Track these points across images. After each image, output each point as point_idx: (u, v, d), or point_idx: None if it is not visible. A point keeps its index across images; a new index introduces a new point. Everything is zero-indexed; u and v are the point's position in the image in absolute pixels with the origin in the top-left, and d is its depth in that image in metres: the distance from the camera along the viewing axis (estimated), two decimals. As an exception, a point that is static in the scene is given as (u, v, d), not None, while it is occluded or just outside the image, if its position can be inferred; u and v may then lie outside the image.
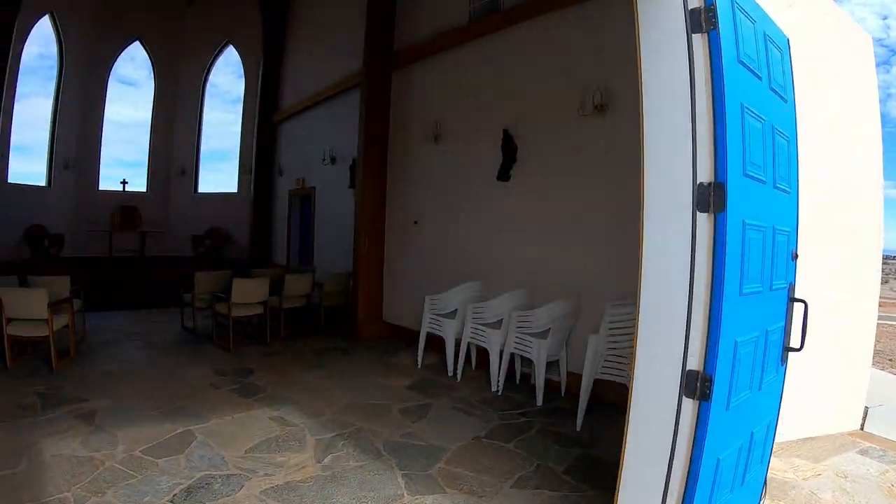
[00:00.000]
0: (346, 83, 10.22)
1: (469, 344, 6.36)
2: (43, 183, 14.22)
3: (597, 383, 4.91)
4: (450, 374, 6.47)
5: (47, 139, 14.20)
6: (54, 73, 14.19)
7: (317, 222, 11.79)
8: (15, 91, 12.82)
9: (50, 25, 13.94)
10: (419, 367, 6.86)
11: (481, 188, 7.20)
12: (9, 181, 13.12)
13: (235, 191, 15.58)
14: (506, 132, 6.81)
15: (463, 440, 4.55)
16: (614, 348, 4.73)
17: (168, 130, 16.15)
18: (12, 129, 12.96)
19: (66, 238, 14.08)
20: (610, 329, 4.73)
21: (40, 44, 13.87)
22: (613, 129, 5.61)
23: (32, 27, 13.28)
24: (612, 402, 5.10)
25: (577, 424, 4.84)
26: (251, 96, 15.27)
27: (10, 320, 6.42)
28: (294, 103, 13.02)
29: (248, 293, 7.81)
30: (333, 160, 10.90)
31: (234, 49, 15.99)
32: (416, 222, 8.45)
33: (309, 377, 6.39)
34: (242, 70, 15.77)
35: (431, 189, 8.16)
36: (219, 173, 16.45)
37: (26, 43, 13.10)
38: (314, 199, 11.89)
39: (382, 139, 8.98)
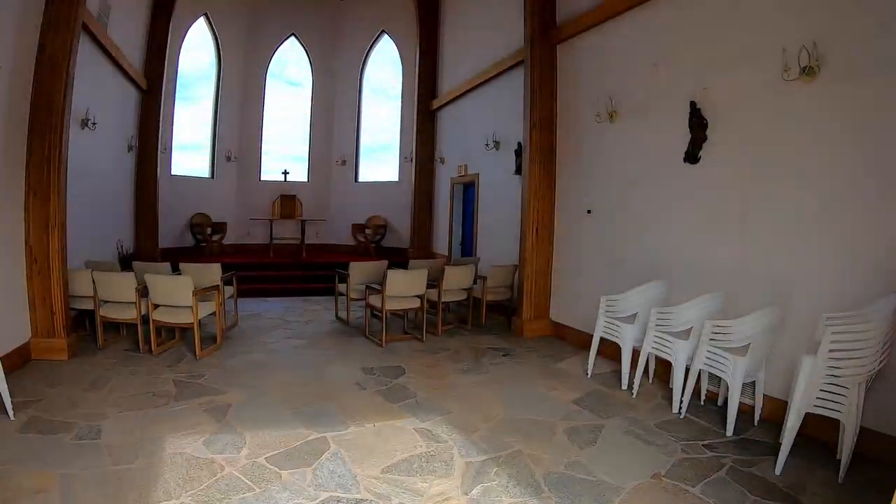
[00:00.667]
0: (508, 62, 9.89)
1: (649, 354, 5.67)
2: (207, 175, 15.47)
3: (807, 418, 4.03)
4: (624, 387, 5.88)
5: (210, 133, 15.39)
6: (213, 69, 15.30)
7: (480, 211, 11.50)
8: (175, 88, 14.03)
9: (205, 26, 15.04)
10: (588, 376, 6.34)
11: (665, 172, 6.45)
12: (172, 173, 14.34)
13: (397, 180, 15.73)
14: (693, 105, 5.97)
15: (640, 477, 3.92)
16: (836, 376, 3.82)
17: (327, 121, 16.73)
18: (174, 126, 14.21)
19: (227, 226, 15.18)
20: (832, 351, 3.80)
21: (198, 43, 15.01)
22: (826, 95, 4.66)
23: (188, 29, 14.40)
24: (823, 442, 4.35)
25: (778, 467, 4.01)
26: (409, 84, 15.36)
27: (156, 306, 6.81)
28: (452, 88, 12.86)
29: (404, 285, 7.70)
30: (497, 145, 10.56)
31: (388, 38, 16.11)
32: (588, 212, 7.83)
33: (465, 382, 6.12)
34: (399, 59, 15.86)
35: (606, 174, 7.51)
36: (379, 163, 16.52)
37: (183, 43, 14.26)
38: (477, 187, 11.62)
39: (549, 120, 8.48)
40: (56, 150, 6.43)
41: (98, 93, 9.49)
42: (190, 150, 15.08)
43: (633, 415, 5.13)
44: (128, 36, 11.06)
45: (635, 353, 5.83)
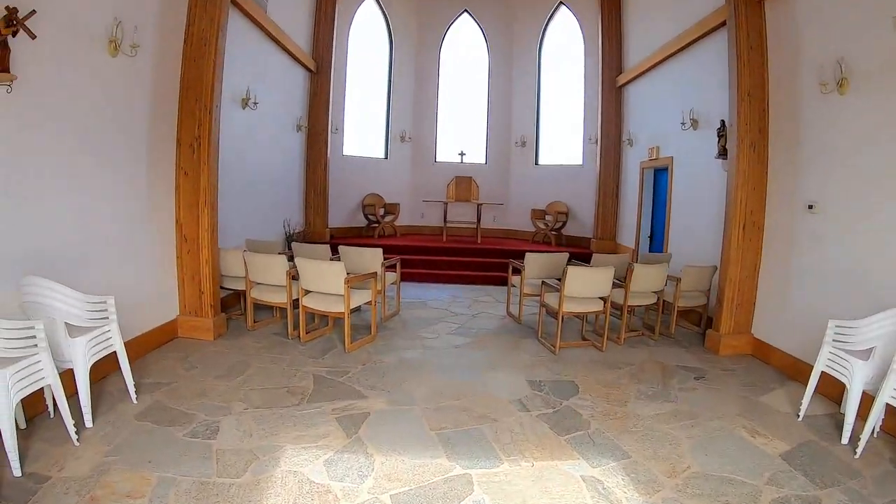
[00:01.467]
0: (706, 27, 8.78)
1: (887, 405, 4.37)
2: (380, 155, 15.66)
3: None
4: (844, 440, 4.61)
5: (383, 114, 15.59)
6: (385, 48, 15.46)
7: (673, 200, 10.38)
8: (345, 68, 14.30)
9: (374, 5, 15.20)
10: (800, 418, 5.12)
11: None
12: (344, 153, 14.63)
13: (580, 163, 14.89)
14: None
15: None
16: None
17: (505, 100, 16.28)
18: (345, 106, 14.55)
19: (400, 207, 15.32)
20: None
21: (368, 23, 15.19)
22: None
23: (357, 9, 14.62)
24: None
25: None
26: (591, 59, 14.53)
27: (307, 292, 6.74)
28: (641, 61, 11.88)
29: (587, 285, 6.96)
30: (694, 124, 9.45)
31: (567, 10, 15.29)
32: (810, 207, 6.39)
33: (648, 412, 5.23)
34: (579, 32, 14.98)
35: (834, 160, 6.06)
36: (561, 144, 15.68)
37: (352, 24, 14.48)
38: (670, 172, 10.52)
39: (760, 93, 7.14)
40: (205, 129, 6.51)
41: (261, 74, 9.83)
42: (363, 130, 15.34)
43: (857, 486, 3.94)
44: (292, 18, 11.45)
45: (865, 399, 4.60)
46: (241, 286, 7.51)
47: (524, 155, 16.03)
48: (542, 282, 7.50)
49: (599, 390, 5.72)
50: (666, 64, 10.74)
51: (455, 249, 13.22)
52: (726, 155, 7.75)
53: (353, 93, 14.84)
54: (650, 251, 11.65)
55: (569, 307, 6.92)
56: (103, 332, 4.57)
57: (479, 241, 14.11)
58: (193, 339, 6.88)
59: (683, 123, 9.67)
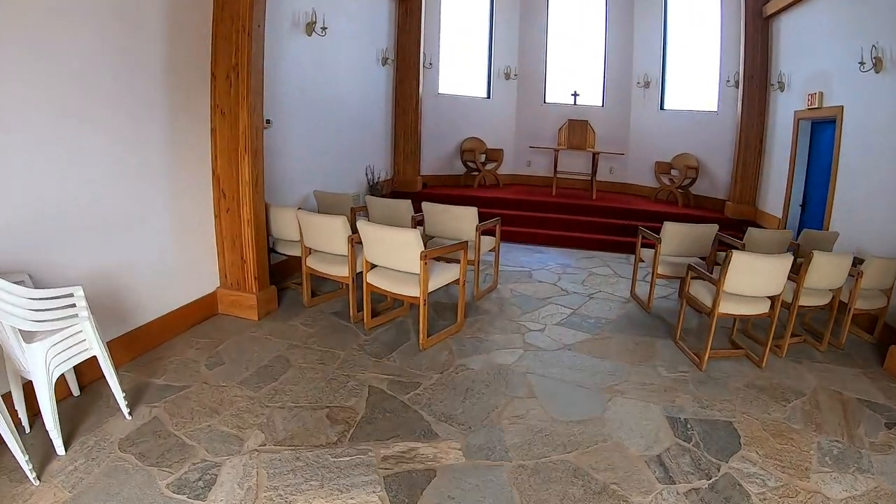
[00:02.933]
0: None
1: None
2: (482, 94, 14.05)
3: None
4: None
5: (485, 47, 13.94)
6: None
7: (841, 163, 8.34)
8: (440, 8, 12.88)
9: None
10: None
11: None
12: (439, 92, 13.13)
13: (715, 109, 12.73)
14: None
15: None
16: None
17: (625, 33, 14.22)
18: (440, 38, 12.96)
19: (504, 154, 13.86)
20: None
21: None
22: None
23: None
24: None
25: None
26: None
27: (372, 266, 5.62)
28: None
29: (756, 279, 5.21)
30: (879, 64, 7.33)
31: None
32: None
33: (838, 493, 3.55)
34: None
35: None
36: (693, 87, 13.48)
37: None
38: (839, 127, 8.42)
39: None
40: (244, 57, 5.17)
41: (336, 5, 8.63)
42: (461, 66, 13.73)
43: None
44: None
45: None
46: (297, 252, 6.24)
47: (648, 98, 13.98)
48: (689, 266, 5.84)
49: (768, 443, 4.09)
50: None
51: (566, 206, 11.63)
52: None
53: (450, 21, 13.19)
54: (801, 224, 9.81)
55: (727, 308, 5.29)
56: (73, 334, 3.46)
57: (594, 197, 12.42)
58: (235, 317, 5.77)
59: (863, 63, 7.58)
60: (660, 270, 6.86)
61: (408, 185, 11.75)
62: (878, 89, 7.46)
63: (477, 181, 13.08)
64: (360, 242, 5.53)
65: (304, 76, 7.82)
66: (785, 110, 10.46)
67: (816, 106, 9.15)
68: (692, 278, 5.78)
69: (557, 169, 12.96)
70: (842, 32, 8.48)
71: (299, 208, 6.15)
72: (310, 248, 6.10)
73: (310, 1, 7.74)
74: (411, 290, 5.18)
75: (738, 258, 5.08)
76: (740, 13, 11.46)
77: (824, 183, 8.97)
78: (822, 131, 9.49)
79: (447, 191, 11.99)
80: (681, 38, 13.65)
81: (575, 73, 14.44)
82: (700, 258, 7.06)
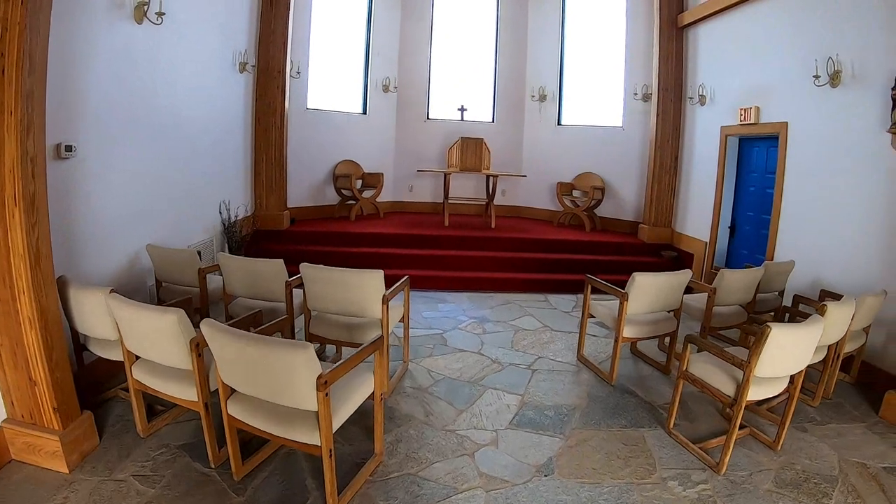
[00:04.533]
0: None
1: None
2: (357, 110, 12.24)
3: None
4: None
5: (361, 55, 12.23)
6: None
7: (789, 182, 7.60)
8: (311, 9, 11.02)
9: None
10: None
11: None
12: (309, 107, 11.19)
13: (620, 125, 11.77)
14: None
15: None
16: None
17: (519, 40, 13.05)
18: (310, 42, 11.07)
19: (384, 178, 12.15)
20: None
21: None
22: None
23: None
24: None
25: None
26: None
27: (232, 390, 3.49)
28: None
29: (790, 355, 4.00)
30: (835, 78, 6.72)
31: None
32: None
33: None
34: None
35: None
36: (594, 100, 12.44)
37: None
38: (783, 144, 7.68)
39: None
40: (13, 41, 3.03)
41: None
42: (334, 76, 11.83)
43: None
44: None
45: None
46: (118, 355, 4.05)
47: (544, 113, 12.83)
48: (688, 339, 4.46)
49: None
50: None
51: (465, 240, 10.04)
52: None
53: (322, 23, 11.27)
54: (731, 249, 9.17)
55: (754, 393, 4.02)
56: None
57: (493, 226, 10.94)
58: (37, 467, 3.58)
59: (817, 76, 6.90)
60: (627, 333, 5.45)
61: (273, 222, 9.80)
62: (835, 105, 6.83)
63: (354, 212, 11.28)
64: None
65: (130, 81, 5.64)
66: (708, 125, 9.63)
67: (752, 121, 8.38)
68: (696, 357, 4.49)
69: (449, 194, 11.36)
70: (784, 44, 7.84)
71: (112, 290, 3.88)
72: (133, 355, 3.95)
73: None
74: (304, 434, 3.24)
75: (778, 335, 3.76)
76: (652, 22, 10.65)
77: (757, 204, 8.51)
78: (750, 148, 8.84)
79: (321, 226, 10.20)
80: (580, 48, 12.64)
81: (462, 86, 13.09)
82: (668, 311, 5.81)
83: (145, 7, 5.60)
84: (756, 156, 8.61)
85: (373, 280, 4.70)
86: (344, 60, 11.89)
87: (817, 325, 3.95)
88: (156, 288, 5.91)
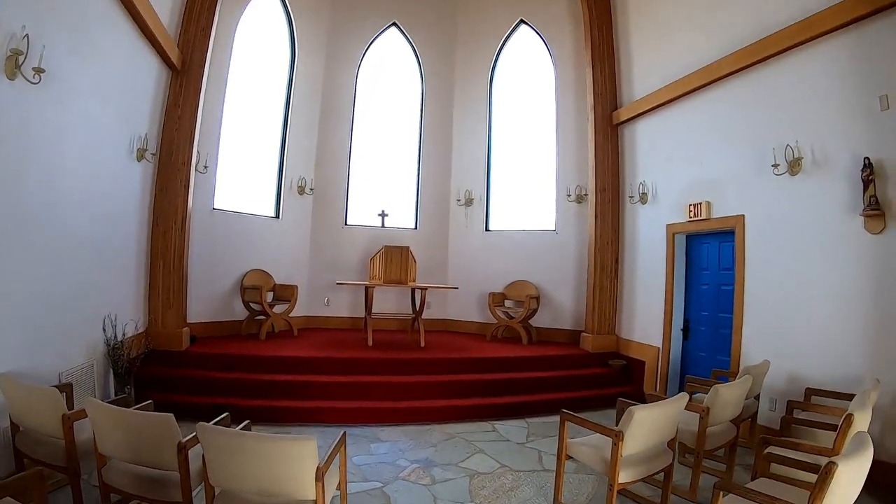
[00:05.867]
0: (818, 27, 6.27)
1: None
2: (268, 213, 11.27)
3: None
4: None
5: (277, 153, 11.45)
6: (285, 62, 11.67)
7: (750, 278, 7.29)
8: (226, 78, 10.23)
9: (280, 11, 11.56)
10: None
11: None
12: (215, 207, 10.12)
13: (553, 228, 11.37)
14: None
15: None
16: None
17: (443, 143, 12.74)
18: (221, 133, 10.17)
19: (300, 291, 10.96)
20: None
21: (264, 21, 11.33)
22: None
23: (246, 5, 10.66)
24: None
25: None
26: (566, 92, 11.54)
27: None
28: (662, 88, 9.07)
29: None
30: (794, 165, 6.64)
31: (530, 29, 12.29)
32: None
33: None
34: (549, 57, 11.94)
35: None
36: (524, 203, 12.08)
37: (241, 19, 10.55)
38: (740, 239, 7.46)
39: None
40: None
41: (68, 24, 5.61)
42: (244, 173, 10.86)
43: None
44: None
45: None
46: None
47: (470, 218, 12.30)
48: (726, 485, 3.47)
49: None
50: (723, 84, 7.95)
51: (393, 363, 8.78)
52: (879, 208, 5.67)
53: (236, 115, 10.47)
54: (685, 353, 8.67)
55: None
56: None
57: (422, 345, 9.82)
58: None
59: (776, 165, 6.79)
60: (623, 478, 4.34)
61: (170, 342, 8.37)
62: (797, 193, 6.67)
63: (264, 329, 9.93)
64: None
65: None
66: (652, 224, 9.35)
67: (703, 217, 8.14)
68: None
69: (372, 308, 10.25)
70: (733, 136, 7.80)
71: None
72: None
73: (20, 14, 4.64)
74: None
75: (844, 471, 2.86)
76: (585, 120, 10.63)
77: (712, 302, 8.17)
78: (699, 245, 8.56)
79: (227, 346, 8.85)
80: (508, 149, 12.43)
81: (383, 189, 12.46)
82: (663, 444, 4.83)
83: (20, 59, 4.55)
84: (707, 252, 8.29)
85: (303, 450, 3.33)
86: (256, 157, 11.04)
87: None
88: (11, 433, 4.42)
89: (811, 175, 6.41)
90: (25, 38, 4.57)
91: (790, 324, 6.58)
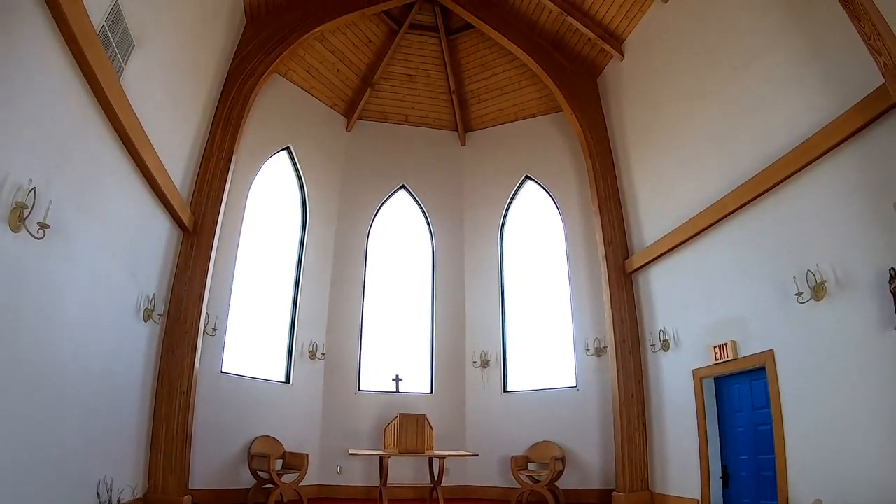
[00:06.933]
0: (822, 144, 6.40)
1: None
2: (279, 378, 11.05)
3: None
4: None
5: (288, 318, 11.44)
6: (297, 230, 12.07)
7: (786, 413, 6.88)
8: (238, 243, 10.53)
9: (288, 164, 12.16)
10: None
11: None
12: (223, 370, 9.94)
13: (573, 384, 11.05)
14: None
15: None
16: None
17: (457, 305, 12.73)
18: (231, 298, 10.24)
19: (310, 460, 10.32)
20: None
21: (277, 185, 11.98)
22: None
23: (263, 164, 11.38)
24: None
25: None
26: (576, 246, 11.80)
27: None
28: (673, 231, 9.24)
29: None
30: (818, 291, 6.47)
31: (536, 185, 12.89)
32: None
33: None
34: (557, 212, 12.37)
35: None
36: (543, 361, 11.79)
37: (252, 184, 11.10)
38: (773, 376, 7.09)
39: None
40: None
41: (80, 179, 5.85)
42: (254, 337, 10.80)
43: None
44: (166, 130, 7.87)
45: None
46: None
47: (487, 379, 11.97)
48: None
49: None
50: (733, 219, 8.07)
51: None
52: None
53: (247, 278, 10.65)
54: (728, 499, 7.95)
55: None
56: None
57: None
58: None
59: (799, 293, 6.62)
60: None
61: (167, 510, 7.90)
62: (824, 319, 6.45)
63: (272, 500, 9.35)
64: None
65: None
66: (677, 371, 9.11)
67: (729, 358, 7.91)
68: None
69: (387, 478, 9.66)
70: (751, 269, 7.75)
71: None
72: None
73: (31, 165, 4.78)
74: None
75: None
76: (598, 271, 10.72)
77: (750, 445, 7.68)
78: (729, 386, 8.23)
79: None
80: (522, 306, 12.39)
81: (396, 354, 12.27)
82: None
83: (24, 212, 4.60)
84: (738, 393, 7.97)
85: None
86: (267, 320, 11.06)
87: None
88: None
89: (837, 297, 6.25)
90: (32, 192, 4.68)
91: (839, 457, 6.09)
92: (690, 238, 8.69)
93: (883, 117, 5.67)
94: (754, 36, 7.69)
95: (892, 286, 5.51)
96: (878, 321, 5.71)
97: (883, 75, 5.36)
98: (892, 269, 5.53)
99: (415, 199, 13.32)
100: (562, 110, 12.10)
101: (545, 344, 11.84)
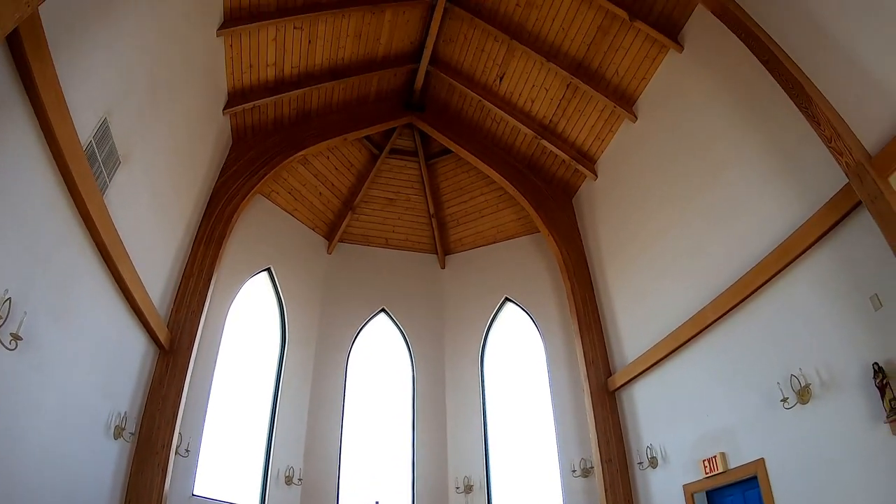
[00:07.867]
0: (797, 246, 6.63)
1: None
2: (254, 502, 10.54)
3: None
4: None
5: (264, 440, 11.10)
6: (276, 352, 11.96)
7: None
8: (215, 361, 10.33)
9: (268, 284, 12.19)
10: None
11: None
12: (195, 493, 9.40)
13: None
14: None
15: None
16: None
17: (438, 428, 12.49)
18: (206, 418, 9.88)
19: None
20: None
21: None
22: None
23: (243, 284, 11.41)
24: None
25: None
26: (559, 366, 11.78)
27: None
28: (651, 348, 9.31)
29: None
30: (803, 395, 6.50)
31: (515, 306, 13.04)
32: None
33: None
34: (537, 334, 12.44)
35: None
36: (526, 483, 11.41)
37: (232, 304, 11.06)
38: (765, 486, 6.95)
39: None
40: None
41: (52, 292, 5.81)
42: (228, 460, 10.37)
43: None
44: (147, 247, 8.01)
45: None
46: None
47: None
48: None
49: None
50: (714, 329, 8.10)
51: None
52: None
53: (221, 397, 10.34)
54: None
55: None
56: None
57: None
58: None
59: (785, 399, 6.64)
60: None
61: None
62: (811, 423, 6.45)
63: None
64: None
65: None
66: (667, 488, 8.85)
67: (719, 470, 7.77)
68: None
69: None
70: (734, 380, 7.76)
71: None
72: None
73: (7, 275, 4.83)
74: None
75: None
76: (579, 390, 10.65)
77: None
78: (723, 499, 8.04)
79: None
80: (506, 428, 12.15)
81: (376, 478, 11.86)
82: None
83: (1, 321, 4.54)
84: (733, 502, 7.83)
85: None
86: (243, 442, 10.66)
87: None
88: None
89: (823, 398, 6.26)
90: (7, 303, 4.71)
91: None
92: (672, 352, 8.72)
93: (851, 214, 5.87)
94: (722, 146, 8.05)
95: (877, 381, 5.53)
96: (868, 417, 5.70)
97: (846, 174, 5.64)
98: (876, 363, 5.55)
99: (395, 322, 13.35)
100: (539, 231, 12.47)
101: (531, 467, 11.54)
